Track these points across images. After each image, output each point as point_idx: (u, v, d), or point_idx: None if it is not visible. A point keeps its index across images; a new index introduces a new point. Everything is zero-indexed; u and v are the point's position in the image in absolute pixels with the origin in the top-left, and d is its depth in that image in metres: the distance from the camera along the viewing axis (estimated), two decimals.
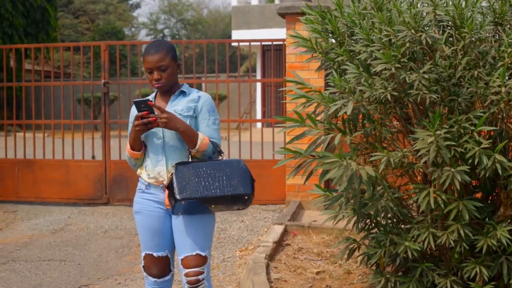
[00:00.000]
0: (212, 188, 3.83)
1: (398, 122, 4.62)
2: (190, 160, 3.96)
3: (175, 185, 3.81)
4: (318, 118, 4.56)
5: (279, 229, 7.25)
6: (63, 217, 9.25)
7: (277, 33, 20.77)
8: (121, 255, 7.23)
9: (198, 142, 3.92)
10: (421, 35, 4.10)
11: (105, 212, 9.58)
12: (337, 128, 4.34)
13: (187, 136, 3.92)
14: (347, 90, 4.20)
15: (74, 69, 27.86)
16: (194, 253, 3.96)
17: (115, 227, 8.57)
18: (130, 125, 4.13)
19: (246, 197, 3.91)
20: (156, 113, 3.86)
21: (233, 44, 23.13)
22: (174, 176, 3.83)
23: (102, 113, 10.33)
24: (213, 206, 3.90)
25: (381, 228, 4.64)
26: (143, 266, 4.18)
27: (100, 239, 7.95)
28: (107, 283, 6.24)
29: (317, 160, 4.41)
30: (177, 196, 3.78)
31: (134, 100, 3.96)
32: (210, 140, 3.99)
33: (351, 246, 4.96)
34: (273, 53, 10.25)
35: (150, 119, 3.84)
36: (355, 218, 4.81)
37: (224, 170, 3.91)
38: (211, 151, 4.01)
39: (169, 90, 4.10)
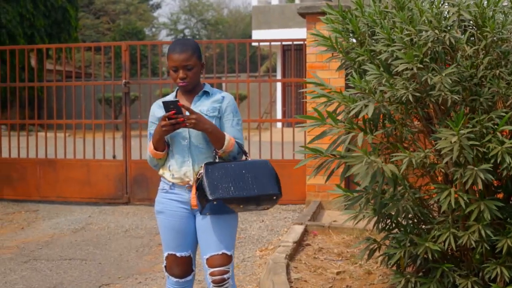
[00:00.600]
0: (243, 188, 3.83)
1: (419, 122, 4.60)
2: (216, 160, 3.96)
3: (206, 185, 3.79)
4: (339, 117, 4.54)
5: (299, 229, 7.24)
6: (84, 217, 9.29)
7: (298, 33, 20.75)
8: (142, 254, 7.25)
9: (225, 143, 3.92)
10: (444, 35, 4.08)
11: (125, 212, 9.61)
12: (359, 127, 4.33)
13: (215, 137, 3.91)
14: (367, 91, 4.19)
15: (95, 69, 27.99)
16: (220, 252, 3.96)
17: (136, 226, 8.59)
18: (151, 125, 4.14)
19: (274, 197, 3.91)
20: (184, 113, 3.85)
21: (254, 44, 23.13)
22: (204, 177, 3.82)
23: (123, 113, 10.36)
24: (241, 206, 3.89)
25: (402, 229, 4.62)
26: (165, 266, 4.18)
27: (120, 239, 7.97)
28: (128, 282, 6.26)
29: (337, 160, 4.39)
30: (209, 197, 3.77)
31: (163, 100, 3.94)
32: (235, 141, 3.99)
33: (371, 247, 4.94)
34: (294, 53, 10.24)
35: (178, 119, 3.83)
36: (375, 219, 4.79)
37: (252, 170, 3.90)
38: (236, 152, 4.01)
39: (192, 90, 4.09)
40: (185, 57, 3.95)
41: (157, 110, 4.10)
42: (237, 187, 3.82)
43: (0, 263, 6.93)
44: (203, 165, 3.89)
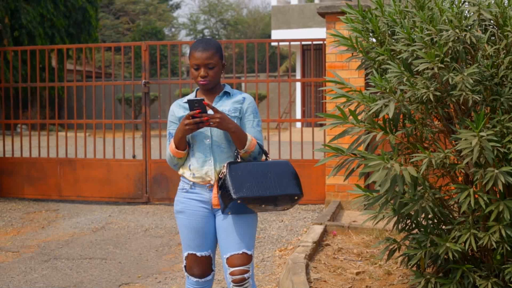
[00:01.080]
0: (266, 187, 3.83)
1: (439, 122, 4.58)
2: (238, 160, 3.97)
3: (230, 184, 3.79)
4: (359, 117, 4.54)
5: (318, 229, 7.23)
6: (104, 216, 9.33)
7: (317, 33, 20.77)
8: (161, 254, 7.27)
9: (247, 143, 3.93)
10: (465, 35, 4.06)
11: (145, 211, 9.64)
12: (379, 127, 4.31)
13: (237, 136, 3.92)
14: (388, 90, 4.18)
15: (115, 69, 28.09)
16: (240, 252, 3.96)
17: (155, 226, 8.62)
18: (170, 125, 4.15)
19: (296, 197, 3.91)
20: (209, 112, 3.86)
21: (273, 43, 23.14)
22: (228, 176, 3.82)
23: (142, 113, 10.40)
24: (263, 205, 3.89)
25: (422, 229, 4.60)
26: (185, 266, 4.19)
27: (140, 238, 8.00)
28: (147, 281, 6.28)
29: (358, 159, 4.39)
30: (233, 196, 3.77)
31: (188, 99, 3.95)
32: (256, 141, 4.00)
33: (391, 247, 4.93)
34: (313, 53, 10.23)
35: (202, 118, 3.83)
36: (395, 219, 4.78)
37: (273, 170, 3.91)
38: (257, 152, 4.01)
39: (213, 90, 4.10)
40: (207, 55, 3.97)
41: (177, 110, 4.11)
42: (260, 186, 3.83)
43: (21, 262, 6.98)
44: (225, 164, 3.90)
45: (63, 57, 22.42)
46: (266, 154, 4.09)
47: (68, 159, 10.58)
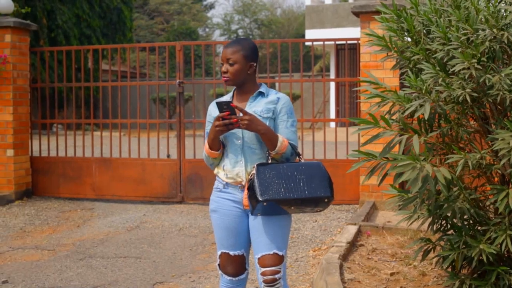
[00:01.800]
0: (293, 190, 3.82)
1: (475, 122, 4.54)
2: (269, 161, 3.96)
3: (256, 186, 3.80)
4: (394, 117, 4.51)
5: (353, 229, 7.21)
6: (138, 215, 9.38)
7: (351, 32, 20.70)
8: (195, 253, 7.29)
9: (278, 145, 3.92)
10: (502, 34, 4.02)
11: (179, 210, 9.68)
12: (412, 129, 4.28)
13: (268, 138, 3.91)
14: (423, 91, 4.15)
15: (150, 69, 28.28)
16: (271, 252, 3.96)
17: (189, 225, 8.64)
18: (208, 124, 4.16)
19: (326, 200, 3.88)
20: (237, 114, 3.87)
21: (307, 43, 23.10)
22: (255, 177, 3.82)
23: (177, 113, 10.43)
24: (292, 207, 3.89)
25: (457, 230, 4.56)
26: (219, 265, 4.20)
27: (174, 237, 8.03)
28: (181, 280, 6.30)
29: (391, 162, 4.36)
30: (259, 198, 3.77)
31: (216, 101, 3.96)
32: (288, 142, 3.99)
33: (425, 247, 4.89)
34: (347, 52, 10.20)
35: (231, 120, 3.84)
36: (430, 219, 4.74)
37: (304, 172, 3.89)
38: (290, 153, 3.99)
39: (247, 90, 4.11)
40: (229, 51, 4.00)
41: (213, 110, 4.12)
42: (288, 188, 3.82)
43: (57, 260, 7.04)
44: (255, 166, 3.90)
45: (98, 57, 22.60)
46: (299, 155, 4.07)
47: (103, 159, 10.65)
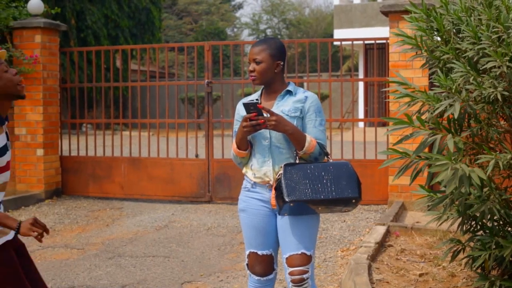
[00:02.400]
0: (320, 191, 3.81)
1: (505, 122, 4.50)
2: (297, 161, 3.96)
3: (283, 186, 3.80)
4: (423, 117, 4.48)
5: (381, 229, 7.18)
6: (167, 214, 9.41)
7: (380, 32, 20.60)
8: (223, 252, 7.30)
9: (306, 144, 3.91)
10: None
11: (207, 210, 9.70)
12: (445, 129, 4.25)
13: (295, 138, 3.91)
14: (453, 90, 4.12)
15: (178, 69, 28.33)
16: (299, 252, 3.95)
17: (218, 224, 8.66)
18: (236, 123, 4.17)
19: (353, 200, 3.87)
20: (265, 115, 3.87)
21: (335, 43, 23.04)
22: (282, 178, 3.82)
23: (205, 112, 10.45)
24: (319, 208, 3.88)
25: (487, 231, 4.52)
26: (247, 264, 4.21)
27: (203, 236, 8.05)
28: (210, 280, 6.31)
29: (424, 161, 4.33)
30: (286, 198, 3.77)
31: (243, 102, 3.97)
32: (317, 142, 3.98)
33: (455, 248, 4.86)
34: (376, 52, 10.15)
35: (258, 121, 3.85)
36: (459, 220, 4.71)
37: (331, 172, 3.87)
38: (318, 153, 3.98)
39: (275, 89, 4.11)
40: (255, 51, 4.02)
41: (241, 109, 4.12)
42: (314, 189, 3.81)
43: (86, 259, 7.09)
44: (282, 166, 3.90)
45: (127, 58, 22.68)
46: (327, 154, 4.06)
47: (132, 158, 10.71)
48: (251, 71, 4.03)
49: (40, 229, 3.55)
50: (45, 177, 10.59)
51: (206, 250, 7.39)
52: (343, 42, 10.72)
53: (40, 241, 3.57)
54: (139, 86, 11.06)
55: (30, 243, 7.83)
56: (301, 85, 21.16)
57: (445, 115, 4.15)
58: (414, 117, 4.31)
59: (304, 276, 3.94)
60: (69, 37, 23.84)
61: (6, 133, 3.71)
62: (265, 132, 4.01)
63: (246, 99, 4.14)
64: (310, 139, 3.93)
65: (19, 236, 3.67)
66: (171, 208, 9.89)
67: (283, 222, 4.00)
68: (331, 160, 4.04)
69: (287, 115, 3.98)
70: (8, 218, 3.55)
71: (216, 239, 7.88)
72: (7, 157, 3.67)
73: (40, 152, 10.55)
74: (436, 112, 4.17)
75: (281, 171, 3.87)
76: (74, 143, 11.92)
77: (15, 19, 10.76)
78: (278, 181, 3.86)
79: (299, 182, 3.81)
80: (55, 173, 10.82)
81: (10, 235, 3.68)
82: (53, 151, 10.79)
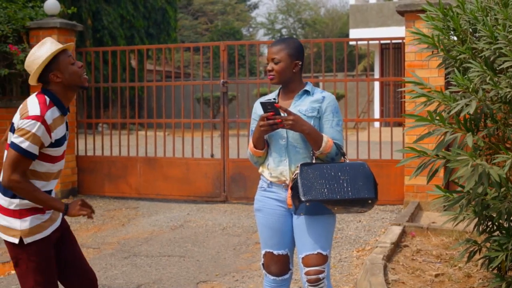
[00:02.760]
0: (336, 191, 3.80)
1: None
2: (313, 161, 3.95)
3: (300, 186, 3.80)
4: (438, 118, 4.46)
5: (397, 230, 7.16)
6: (182, 214, 9.43)
7: (396, 31, 20.54)
8: (239, 252, 7.30)
9: (323, 145, 3.90)
10: None
11: (223, 210, 9.71)
12: (464, 127, 4.22)
13: (312, 138, 3.90)
14: (470, 89, 4.10)
15: (194, 69, 28.37)
16: (315, 252, 3.95)
17: (233, 224, 8.66)
18: (253, 122, 4.18)
19: (369, 201, 3.86)
20: (282, 114, 3.87)
21: (351, 43, 23.01)
22: (299, 177, 3.82)
23: (221, 112, 10.46)
24: (336, 208, 3.88)
25: (504, 231, 4.50)
26: (263, 264, 4.21)
27: (218, 236, 8.05)
28: (225, 279, 6.32)
29: (440, 160, 4.31)
30: (302, 198, 3.77)
31: (261, 101, 3.98)
32: (333, 142, 3.97)
33: (471, 249, 4.84)
34: (392, 52, 10.13)
35: (276, 120, 3.85)
36: (476, 220, 4.69)
37: (348, 172, 3.87)
38: (335, 153, 3.98)
39: (292, 88, 4.10)
40: (274, 50, 4.03)
41: (259, 108, 4.13)
42: (331, 189, 3.80)
43: (102, 258, 7.11)
44: (299, 165, 3.90)
45: (143, 58, 22.78)
46: (344, 155, 4.05)
47: (148, 158, 10.73)
48: (270, 70, 4.04)
49: (88, 209, 3.82)
50: (62, 176, 10.63)
51: (222, 250, 7.40)
52: (359, 42, 10.69)
53: (91, 218, 3.86)
54: (155, 86, 11.09)
55: None
56: (317, 85, 21.13)
57: (461, 114, 4.13)
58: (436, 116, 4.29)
59: (320, 276, 3.94)
60: (85, 37, 23.93)
61: (66, 123, 3.91)
62: (282, 131, 4.01)
63: (264, 98, 4.15)
64: (327, 139, 3.93)
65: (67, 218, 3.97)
66: (187, 208, 9.90)
67: (299, 222, 4.00)
68: (347, 161, 4.04)
69: (304, 114, 3.99)
70: (55, 200, 3.80)
71: (232, 239, 7.89)
72: (64, 147, 3.89)
73: None
74: (453, 111, 4.15)
75: (297, 171, 3.87)
76: (90, 143, 11.95)
77: (32, 19, 10.81)
78: (295, 181, 3.86)
79: (315, 181, 3.81)
80: (71, 172, 10.87)
81: (48, 230, 3.86)
82: (69, 150, 10.82)
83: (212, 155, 11.20)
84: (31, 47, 10.51)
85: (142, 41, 27.27)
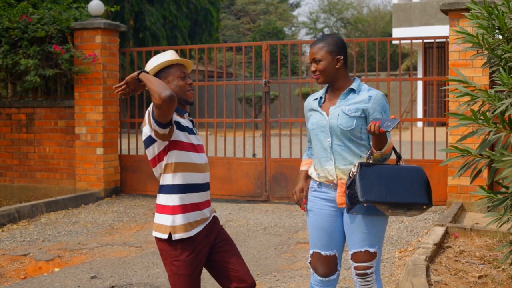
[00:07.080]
0: (395, 194, 3.78)
1: None
2: (367, 160, 3.92)
3: (358, 186, 3.78)
4: (482, 118, 4.41)
5: (440, 230, 7.09)
6: (224, 213, 9.45)
7: (439, 30, 20.38)
8: (280, 252, 7.30)
9: (385, 146, 3.86)
10: None
11: (264, 209, 9.71)
12: (510, 127, 4.16)
13: (381, 138, 3.84)
14: None
15: (236, 68, 28.40)
16: (363, 250, 3.97)
17: (274, 224, 8.66)
18: (306, 120, 4.21)
19: (424, 207, 3.84)
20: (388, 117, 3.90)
21: (394, 42, 22.86)
22: (357, 177, 3.80)
23: (263, 112, 10.47)
24: (390, 210, 3.85)
25: None
26: (310, 263, 4.21)
27: (259, 236, 8.06)
28: (266, 279, 6.32)
29: (484, 160, 4.25)
30: (360, 198, 3.75)
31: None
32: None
33: None
34: (435, 51, 10.04)
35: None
36: None
37: (405, 176, 3.85)
38: (389, 155, 3.96)
39: (338, 86, 4.08)
40: (314, 50, 4.05)
41: (309, 104, 4.19)
42: (389, 192, 3.78)
43: (144, 257, 7.16)
44: (356, 164, 3.87)
45: (185, 58, 22.86)
46: (400, 157, 4.04)
47: None
48: (314, 71, 4.04)
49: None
50: (105, 175, 10.74)
51: (263, 250, 7.40)
52: (402, 41, 10.62)
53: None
54: (197, 85, 11.13)
55: (89, 240, 7.95)
56: None
57: (506, 114, 4.07)
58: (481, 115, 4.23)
59: (368, 271, 3.99)
60: (127, 37, 24.12)
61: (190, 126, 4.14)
62: (326, 131, 4.01)
63: (313, 96, 4.17)
64: (390, 141, 3.90)
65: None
66: (228, 207, 9.93)
67: (349, 220, 4.00)
68: (403, 163, 4.01)
69: (347, 114, 3.97)
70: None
71: (273, 239, 7.89)
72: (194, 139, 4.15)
73: (100, 151, 10.70)
74: (498, 111, 4.10)
75: (355, 170, 3.84)
76: (133, 142, 12.05)
77: (76, 20, 10.94)
78: (352, 180, 3.83)
79: (374, 183, 3.78)
80: (114, 171, 10.97)
81: (194, 231, 4.06)
82: (112, 150, 10.94)
83: (254, 155, 11.21)
84: (75, 47, 10.63)
85: (184, 41, 27.41)
